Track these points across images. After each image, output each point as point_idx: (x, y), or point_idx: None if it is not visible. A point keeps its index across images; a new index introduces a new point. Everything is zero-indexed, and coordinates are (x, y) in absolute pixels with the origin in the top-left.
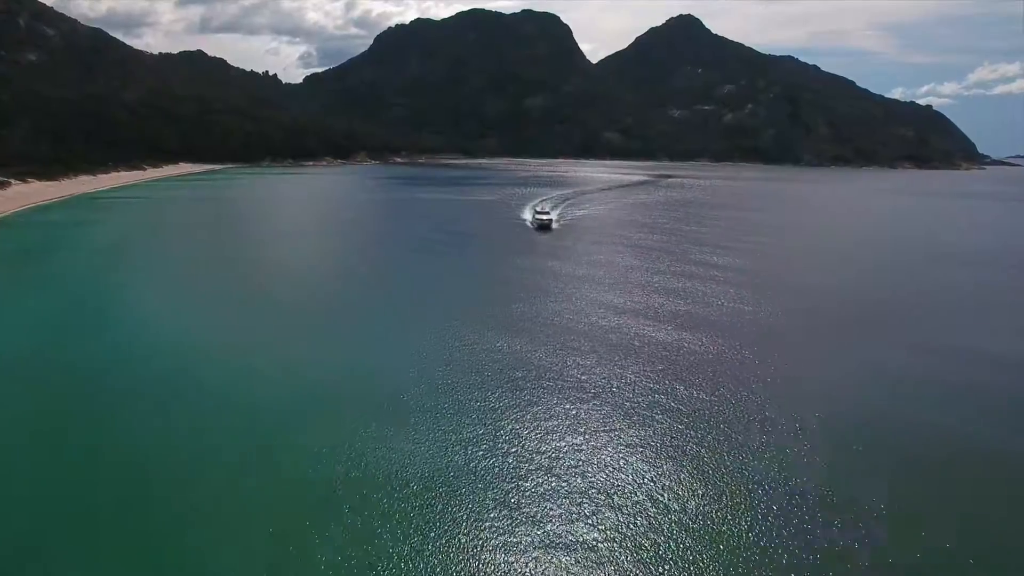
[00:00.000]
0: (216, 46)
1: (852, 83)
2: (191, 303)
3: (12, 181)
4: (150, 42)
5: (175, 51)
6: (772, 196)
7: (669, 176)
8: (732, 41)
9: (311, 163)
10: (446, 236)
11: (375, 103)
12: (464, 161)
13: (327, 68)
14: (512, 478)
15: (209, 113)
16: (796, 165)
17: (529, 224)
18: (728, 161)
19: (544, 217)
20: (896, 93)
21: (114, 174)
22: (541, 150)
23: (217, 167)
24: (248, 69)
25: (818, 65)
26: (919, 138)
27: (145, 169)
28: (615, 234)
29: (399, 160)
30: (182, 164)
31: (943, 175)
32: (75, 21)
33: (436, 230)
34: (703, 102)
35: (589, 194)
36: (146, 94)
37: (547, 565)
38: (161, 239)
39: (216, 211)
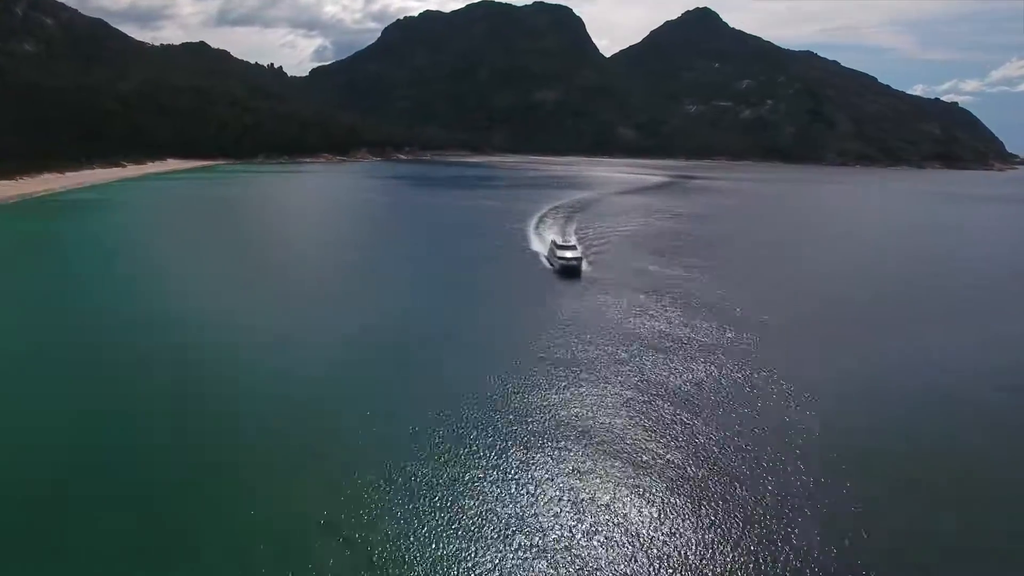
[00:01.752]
0: (232, 39)
1: (874, 79)
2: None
3: None
4: (168, 34)
5: (181, 43)
6: (818, 206)
7: (691, 177)
8: (750, 35)
9: (309, 159)
10: (418, 293)
11: (381, 96)
12: (471, 159)
13: (332, 61)
14: None
15: (204, 106)
16: (819, 164)
17: (547, 263)
18: (747, 160)
19: (569, 255)
20: (916, 90)
21: (87, 172)
22: (551, 146)
23: (207, 163)
24: (253, 61)
25: (814, 52)
26: (948, 136)
27: (124, 166)
28: (671, 279)
29: (402, 156)
30: (170, 160)
31: (980, 176)
32: (75, 11)
33: (412, 268)
34: (720, 97)
35: (609, 198)
36: (139, 86)
37: None
38: (74, 259)
39: (172, 223)
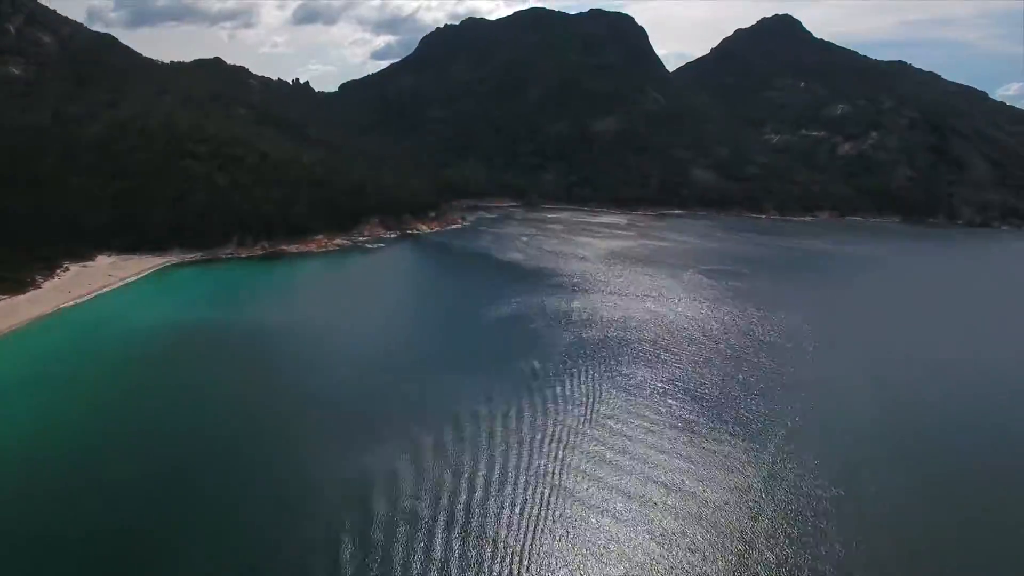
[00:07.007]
0: (301, 37)
1: (985, 94)
2: None
3: None
4: (255, 34)
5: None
6: None
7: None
8: (840, 47)
9: (295, 246)
10: None
11: (414, 118)
12: (513, 228)
13: (367, 75)
14: None
15: (170, 156)
16: (952, 222)
17: None
18: (856, 215)
19: None
20: (1012, 89)
21: None
22: (611, 191)
23: (155, 264)
24: (275, 78)
25: (904, 60)
26: None
27: None
28: None
29: (424, 228)
30: (100, 258)
31: None
32: (78, 25)
33: None
34: (809, 126)
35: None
36: (104, 127)
37: None
38: None
39: None
